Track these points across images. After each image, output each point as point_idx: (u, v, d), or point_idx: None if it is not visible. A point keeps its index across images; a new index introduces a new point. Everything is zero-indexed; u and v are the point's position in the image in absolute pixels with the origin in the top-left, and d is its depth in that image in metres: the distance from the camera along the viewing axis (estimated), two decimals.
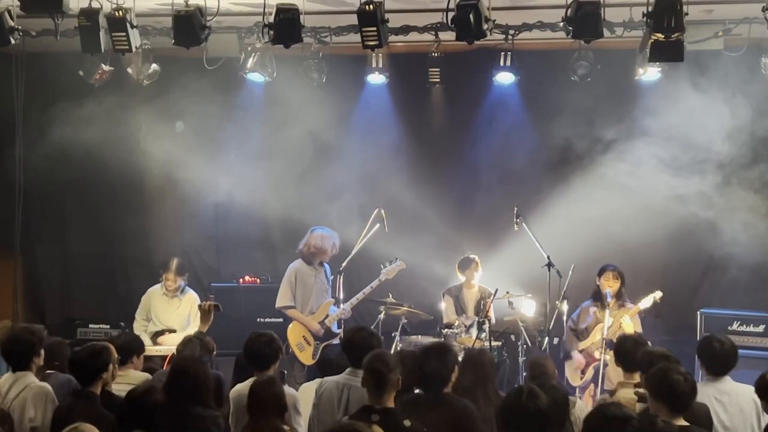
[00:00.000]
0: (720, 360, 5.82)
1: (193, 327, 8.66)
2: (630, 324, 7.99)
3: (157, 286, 8.90)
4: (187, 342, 6.61)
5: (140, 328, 8.75)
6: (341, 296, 8.92)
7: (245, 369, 6.12)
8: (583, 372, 8.28)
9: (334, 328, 8.76)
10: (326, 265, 8.97)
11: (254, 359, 6.04)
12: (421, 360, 5.53)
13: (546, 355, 7.79)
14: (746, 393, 5.66)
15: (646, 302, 8.11)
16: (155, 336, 8.68)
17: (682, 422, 4.88)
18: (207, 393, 5.48)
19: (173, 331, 8.65)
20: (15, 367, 5.98)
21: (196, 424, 5.24)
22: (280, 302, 8.84)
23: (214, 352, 6.84)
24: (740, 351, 6.04)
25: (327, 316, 8.74)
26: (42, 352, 6.07)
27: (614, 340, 7.81)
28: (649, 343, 6.31)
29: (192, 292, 8.94)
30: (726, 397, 5.71)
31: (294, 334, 8.67)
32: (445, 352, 5.60)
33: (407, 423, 5.04)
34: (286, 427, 5.29)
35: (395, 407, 5.19)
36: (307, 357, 8.67)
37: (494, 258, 9.46)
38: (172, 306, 8.83)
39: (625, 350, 6.05)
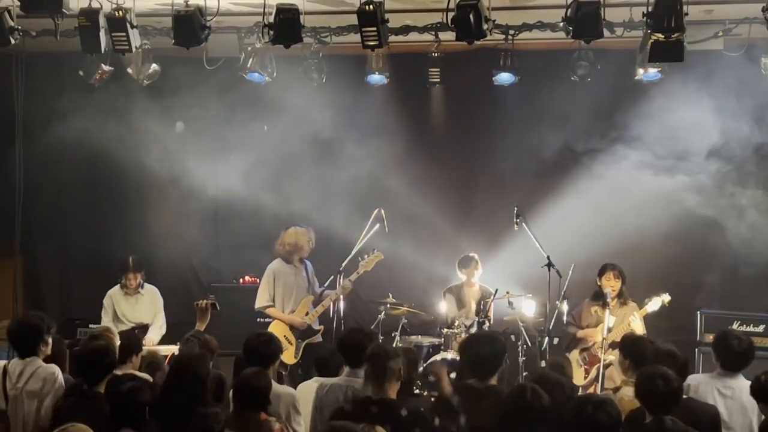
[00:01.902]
0: (737, 357, 5.84)
1: (158, 320, 8.83)
2: (639, 324, 7.98)
3: (116, 288, 9.00)
4: (185, 341, 6.63)
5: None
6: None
7: (245, 369, 6.12)
8: (587, 372, 8.29)
9: (315, 325, 8.77)
10: (307, 262, 8.97)
11: (253, 359, 6.05)
12: (475, 346, 5.57)
13: (566, 357, 7.83)
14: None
15: (654, 305, 8.10)
16: None
17: None
18: (206, 391, 5.49)
19: (146, 326, 8.71)
20: (22, 353, 5.99)
21: (197, 422, 5.25)
22: (258, 303, 8.88)
23: (216, 352, 6.85)
24: None
25: (308, 313, 8.74)
26: (49, 340, 6.10)
27: (618, 340, 7.83)
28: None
29: (151, 286, 9.03)
30: (730, 391, 5.73)
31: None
32: (496, 339, 5.78)
33: (404, 412, 5.07)
34: (272, 419, 5.28)
35: (396, 399, 5.22)
36: (289, 356, 8.64)
37: (494, 258, 9.46)
38: (136, 302, 8.92)
39: (638, 350, 6.05)
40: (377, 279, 9.09)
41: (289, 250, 8.83)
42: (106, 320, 8.86)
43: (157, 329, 8.84)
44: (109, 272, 10.47)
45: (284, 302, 8.80)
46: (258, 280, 9.94)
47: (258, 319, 9.41)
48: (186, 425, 5.22)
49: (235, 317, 9.20)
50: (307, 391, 6.28)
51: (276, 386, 6.08)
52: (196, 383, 5.40)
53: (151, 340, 8.58)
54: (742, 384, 5.78)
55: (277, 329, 8.64)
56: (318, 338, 8.83)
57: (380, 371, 5.19)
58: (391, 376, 5.20)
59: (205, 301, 7.21)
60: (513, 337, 8.86)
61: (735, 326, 8.81)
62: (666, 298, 8.11)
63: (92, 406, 5.49)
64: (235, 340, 7.02)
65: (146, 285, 9.05)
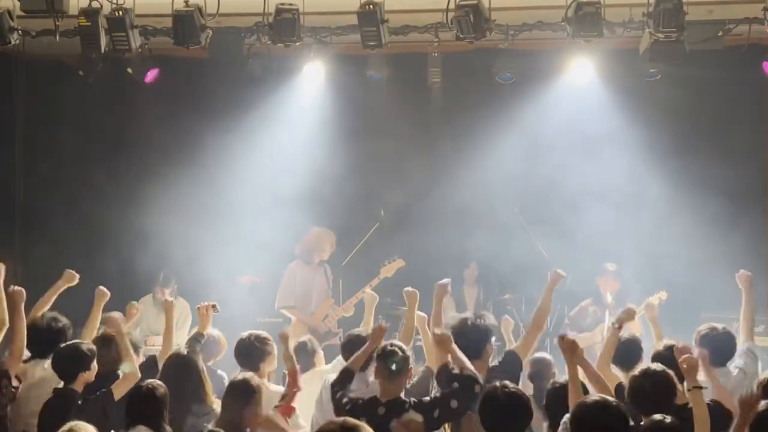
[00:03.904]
0: (719, 348, 5.83)
1: (181, 332, 8.74)
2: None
3: (149, 296, 9.05)
4: (188, 342, 6.64)
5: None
6: (341, 296, 8.91)
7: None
8: None
9: (334, 328, 8.75)
10: (327, 265, 8.95)
11: (242, 358, 6.07)
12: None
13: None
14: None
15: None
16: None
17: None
18: (200, 389, 5.51)
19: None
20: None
21: (189, 420, 5.27)
22: (280, 303, 8.84)
23: (222, 353, 6.88)
24: None
25: (327, 315, 8.73)
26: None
27: None
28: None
29: (182, 300, 8.86)
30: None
31: (295, 335, 8.60)
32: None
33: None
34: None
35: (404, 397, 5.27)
36: None
37: (494, 258, 9.45)
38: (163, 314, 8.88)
39: (625, 352, 6.06)
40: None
41: (310, 251, 8.84)
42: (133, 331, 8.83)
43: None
44: (109, 274, 10.50)
45: (303, 303, 8.80)
46: (258, 279, 9.99)
47: (258, 319, 9.41)
48: (179, 423, 5.24)
49: (234, 317, 9.19)
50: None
51: (274, 387, 6.09)
52: (189, 381, 5.42)
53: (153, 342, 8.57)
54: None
55: (296, 330, 8.64)
56: (337, 341, 8.81)
57: (391, 369, 5.24)
58: (402, 375, 5.27)
59: (205, 304, 7.22)
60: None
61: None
62: (663, 295, 8.10)
63: (66, 403, 5.53)
64: (235, 340, 7.03)
65: (179, 298, 8.90)
